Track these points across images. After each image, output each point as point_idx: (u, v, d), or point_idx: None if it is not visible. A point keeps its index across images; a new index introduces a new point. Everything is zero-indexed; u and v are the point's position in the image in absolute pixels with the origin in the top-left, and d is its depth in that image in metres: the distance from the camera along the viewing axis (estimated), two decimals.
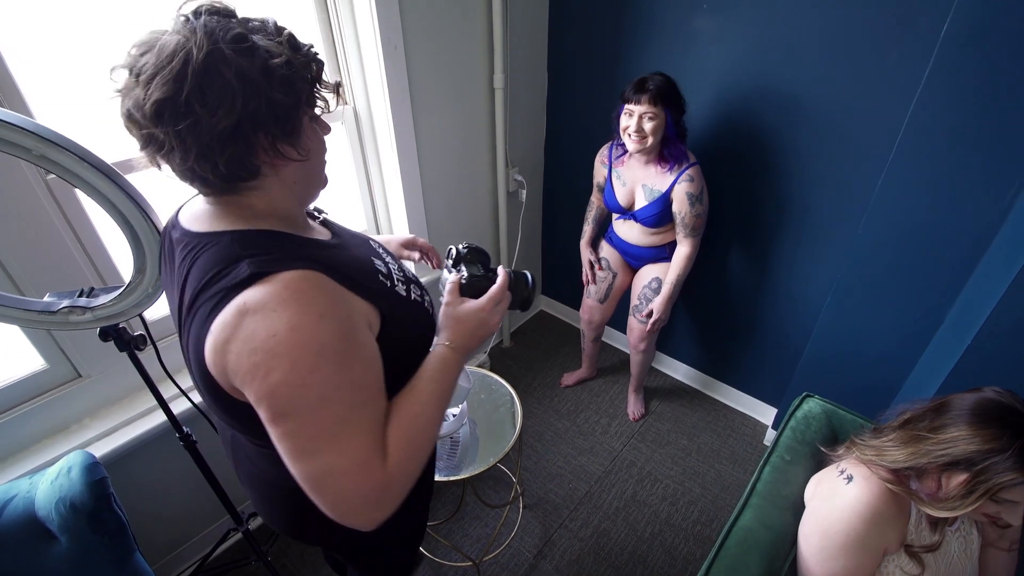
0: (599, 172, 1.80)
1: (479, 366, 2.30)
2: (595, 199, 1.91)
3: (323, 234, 0.72)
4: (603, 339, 2.57)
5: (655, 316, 1.76)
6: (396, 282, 0.72)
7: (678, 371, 2.37)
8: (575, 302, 2.44)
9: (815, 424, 1.22)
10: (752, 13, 1.53)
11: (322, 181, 0.70)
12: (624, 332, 2.12)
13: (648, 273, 1.83)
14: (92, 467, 0.96)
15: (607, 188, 1.75)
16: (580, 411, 2.21)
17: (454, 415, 1.44)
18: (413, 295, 0.74)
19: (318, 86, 0.62)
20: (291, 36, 0.60)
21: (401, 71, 1.54)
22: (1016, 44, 1.08)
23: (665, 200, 1.62)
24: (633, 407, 2.18)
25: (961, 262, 1.32)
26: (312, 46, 0.62)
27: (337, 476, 0.56)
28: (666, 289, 1.74)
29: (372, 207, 1.82)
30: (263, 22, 0.59)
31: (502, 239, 2.21)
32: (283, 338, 0.53)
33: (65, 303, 0.90)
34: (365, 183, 1.76)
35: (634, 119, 1.51)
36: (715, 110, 1.70)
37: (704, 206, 1.64)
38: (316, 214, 0.79)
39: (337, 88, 0.65)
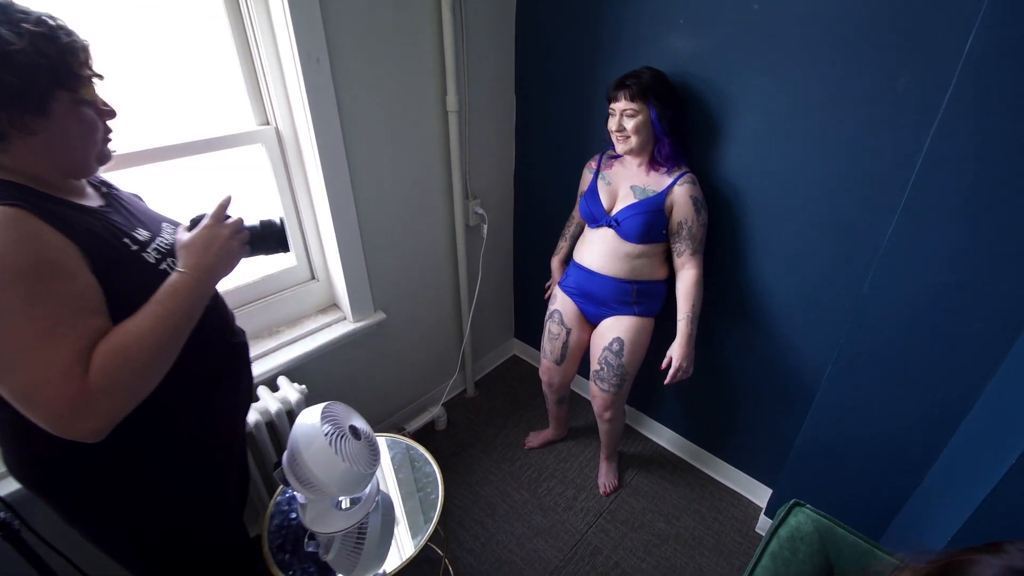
0: (585, 179, 1.58)
1: (430, 422, 2.04)
2: (576, 214, 1.68)
3: (95, 201, 0.80)
4: (575, 390, 2.28)
5: (676, 364, 1.43)
6: (148, 251, 0.79)
7: (661, 436, 2.07)
8: None
9: (803, 550, 0.92)
10: (731, 31, 1.30)
11: (85, 157, 0.74)
12: None
13: (608, 331, 1.56)
14: None
15: (589, 191, 1.52)
16: (543, 479, 1.92)
17: (350, 504, 1.17)
18: (162, 265, 0.79)
19: (77, 76, 0.68)
20: (47, 29, 0.65)
21: (326, 88, 1.33)
22: None
23: (659, 202, 1.39)
24: (604, 478, 1.88)
25: (993, 337, 1.04)
26: (73, 36, 0.68)
27: (41, 385, 0.62)
28: (684, 327, 1.43)
29: (304, 242, 1.60)
30: (24, 14, 0.64)
31: (461, 278, 1.97)
32: None
33: None
34: (293, 213, 1.55)
35: (615, 117, 1.36)
36: (695, 141, 1.46)
37: (707, 215, 1.42)
38: (101, 186, 0.86)
39: (97, 77, 0.72)
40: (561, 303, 1.66)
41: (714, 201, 1.47)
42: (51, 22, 0.66)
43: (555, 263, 1.78)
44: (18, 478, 0.83)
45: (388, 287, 1.75)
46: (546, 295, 1.74)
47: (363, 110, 1.45)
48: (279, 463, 1.13)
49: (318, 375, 1.63)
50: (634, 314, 1.53)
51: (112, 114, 0.77)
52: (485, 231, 1.91)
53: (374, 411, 1.92)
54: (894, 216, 1.08)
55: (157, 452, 0.84)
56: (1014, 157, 0.91)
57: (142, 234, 0.80)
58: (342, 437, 1.10)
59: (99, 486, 0.81)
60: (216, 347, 0.92)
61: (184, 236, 0.79)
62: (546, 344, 1.71)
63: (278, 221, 0.90)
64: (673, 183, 1.37)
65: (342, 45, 1.33)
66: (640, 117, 1.33)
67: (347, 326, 1.67)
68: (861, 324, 1.21)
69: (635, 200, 1.42)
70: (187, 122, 1.27)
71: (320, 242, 1.60)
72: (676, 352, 1.44)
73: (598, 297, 1.55)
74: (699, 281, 1.45)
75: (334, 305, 1.73)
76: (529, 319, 2.39)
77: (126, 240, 0.76)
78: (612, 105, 1.36)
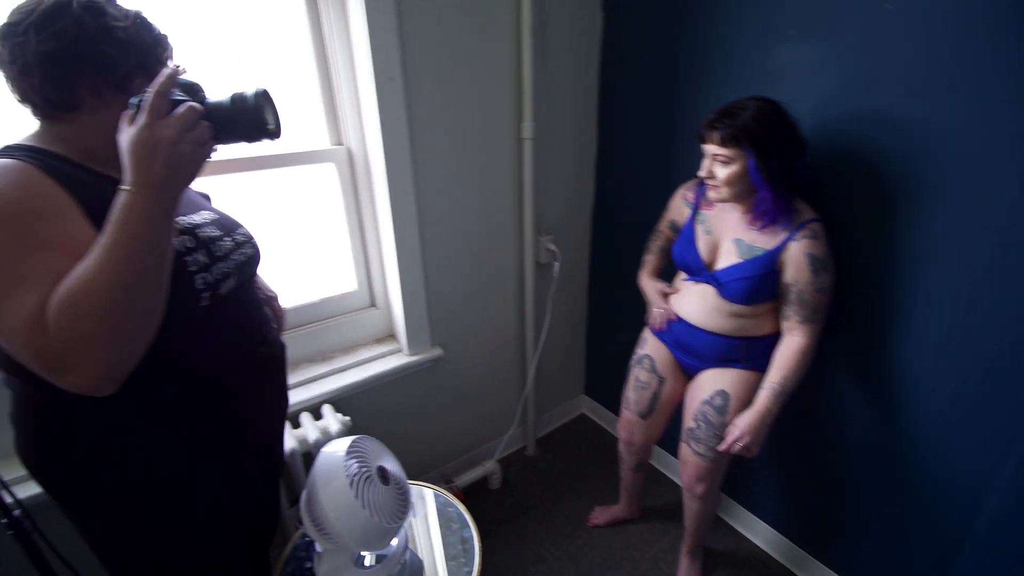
0: (678, 210, 1.37)
1: (483, 478, 1.83)
2: (664, 229, 1.46)
3: None
4: (654, 465, 1.96)
5: (736, 434, 1.18)
6: None
7: (756, 532, 1.68)
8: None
9: None
10: (856, 38, 1.10)
11: None
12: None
13: (709, 383, 1.29)
14: None
15: (684, 234, 1.30)
16: (608, 568, 1.60)
17: (374, 561, 0.99)
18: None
19: (159, 67, 0.72)
20: (145, 21, 0.73)
21: (398, 108, 1.30)
22: None
23: (769, 262, 1.14)
24: None
25: None
26: (164, 36, 0.75)
27: (15, 331, 0.59)
28: (765, 398, 1.17)
29: (366, 266, 1.55)
30: (122, 8, 0.71)
31: (527, 320, 1.81)
32: None
33: None
34: (359, 238, 1.50)
35: (705, 161, 1.14)
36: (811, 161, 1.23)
37: (832, 278, 1.14)
38: None
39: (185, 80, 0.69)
40: (654, 348, 1.42)
41: (850, 257, 1.21)
42: (149, 19, 0.73)
43: (645, 280, 1.48)
44: (22, 459, 0.79)
45: (448, 322, 1.63)
46: (649, 321, 1.44)
47: (434, 133, 1.40)
48: (298, 499, 0.99)
49: (365, 408, 1.52)
50: (742, 368, 1.26)
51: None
52: (556, 270, 1.76)
53: (420, 457, 1.76)
54: None
55: (153, 445, 0.78)
56: None
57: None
58: (367, 479, 0.94)
59: (89, 473, 0.77)
60: (242, 345, 0.86)
61: (123, 136, 0.61)
62: (631, 393, 1.47)
63: (252, 95, 0.66)
64: (788, 238, 1.12)
65: (417, 66, 1.31)
66: (734, 167, 1.10)
67: (402, 359, 1.55)
68: None
69: (739, 260, 1.19)
70: None
71: (383, 268, 1.53)
72: (742, 421, 1.18)
73: (699, 353, 1.31)
74: (805, 352, 1.17)
75: (391, 336, 1.64)
76: (602, 375, 2.14)
77: None
78: (703, 146, 1.15)
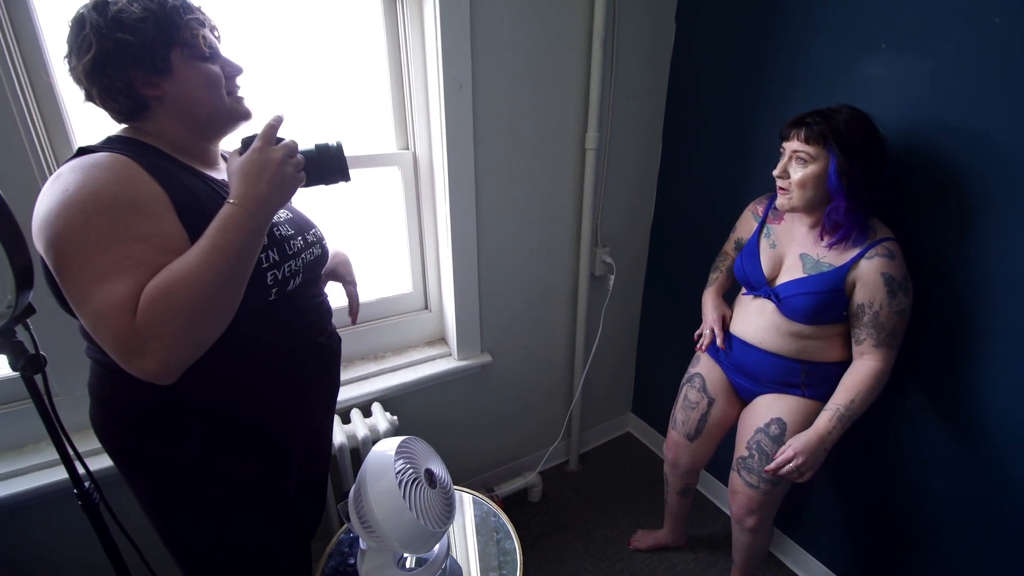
0: (745, 225, 1.32)
1: (523, 490, 1.81)
2: (731, 251, 1.40)
3: (223, 174, 0.83)
4: (701, 491, 1.88)
5: (789, 453, 1.10)
6: None
7: (811, 572, 1.57)
8: None
9: None
10: (957, 52, 1.02)
11: (216, 111, 0.78)
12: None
13: (765, 409, 1.22)
14: None
15: (748, 247, 1.25)
16: None
17: (415, 564, 0.99)
18: None
19: (184, 30, 0.73)
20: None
21: (465, 114, 1.32)
22: None
23: (836, 280, 1.07)
24: None
25: None
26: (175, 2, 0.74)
27: (101, 316, 0.62)
28: (826, 420, 1.09)
29: (422, 269, 1.57)
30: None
31: (578, 332, 1.78)
32: (72, 191, 0.64)
33: None
34: (417, 241, 1.53)
35: (783, 159, 1.09)
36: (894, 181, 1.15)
37: (909, 300, 1.06)
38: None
39: (208, 27, 0.78)
40: (706, 367, 1.36)
41: (932, 281, 1.12)
42: None
43: (708, 298, 1.41)
44: (95, 428, 0.84)
45: (498, 329, 1.63)
46: (698, 341, 1.38)
47: (498, 140, 1.41)
48: (347, 495, 1.00)
49: (413, 409, 1.53)
50: (803, 396, 1.19)
51: (237, 69, 0.80)
52: (611, 283, 1.72)
53: (462, 463, 1.75)
54: None
55: (214, 423, 0.82)
56: None
57: None
58: (415, 482, 0.94)
59: (155, 444, 0.81)
60: (301, 337, 0.90)
61: (234, 162, 0.71)
62: (679, 413, 1.42)
63: (335, 145, 0.79)
64: (859, 255, 1.05)
65: (486, 73, 1.32)
66: (812, 168, 1.04)
67: (451, 363, 1.56)
68: None
69: (804, 274, 1.12)
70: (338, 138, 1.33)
71: (438, 272, 1.55)
72: (798, 442, 1.10)
73: (755, 374, 1.24)
74: (877, 376, 1.08)
75: (441, 339, 1.65)
76: (651, 393, 2.08)
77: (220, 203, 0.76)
78: (784, 144, 1.10)
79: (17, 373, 0.80)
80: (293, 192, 0.73)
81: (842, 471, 1.41)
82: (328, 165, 0.78)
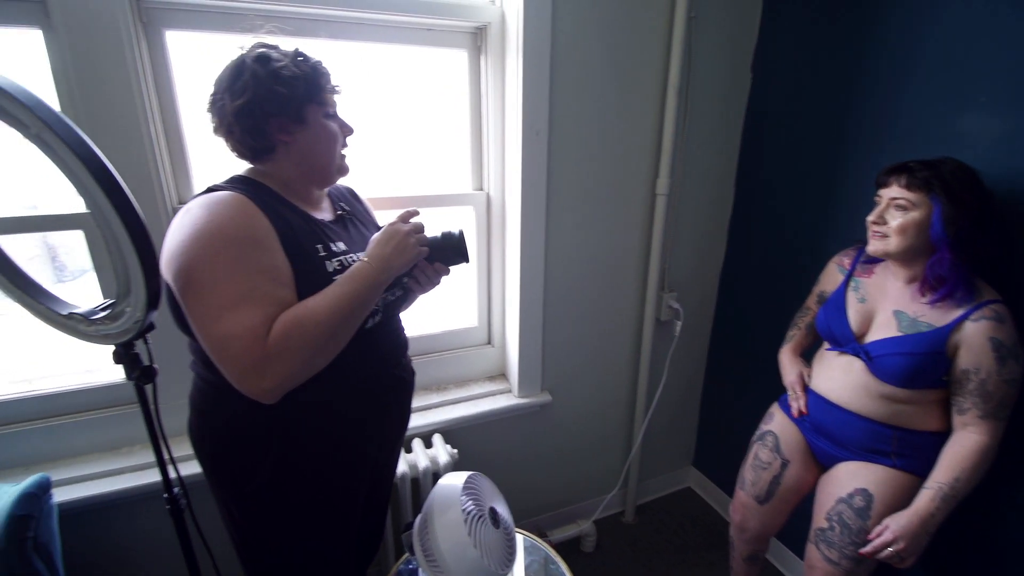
0: (830, 278, 1.26)
1: (576, 538, 1.74)
2: (812, 305, 1.34)
3: (325, 215, 0.93)
4: (771, 560, 1.73)
5: (887, 537, 1.00)
6: (332, 260, 0.85)
7: None
8: (734, 489, 1.73)
9: None
10: None
11: (329, 163, 0.89)
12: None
13: (849, 478, 1.13)
14: (24, 498, 0.82)
15: (833, 300, 1.19)
16: None
17: None
18: (336, 276, 0.83)
19: (324, 92, 0.85)
20: (301, 55, 0.84)
21: (540, 160, 1.37)
22: None
23: (937, 341, 1.00)
24: None
25: None
26: (318, 62, 0.85)
27: (232, 339, 0.70)
28: (929, 500, 0.99)
29: (488, 305, 1.60)
30: (282, 51, 0.83)
31: (641, 378, 1.74)
32: (201, 225, 0.72)
33: (71, 310, 0.83)
34: (485, 277, 1.57)
35: (879, 206, 1.04)
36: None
37: (1021, 368, 0.97)
38: (340, 205, 0.99)
39: (333, 90, 0.88)
40: (781, 425, 1.29)
41: None
42: (304, 53, 0.84)
43: (785, 355, 1.35)
44: (191, 436, 0.92)
45: (560, 369, 1.62)
46: (794, 404, 1.26)
47: (570, 184, 1.44)
48: (410, 525, 1.01)
49: (471, 444, 1.54)
50: (892, 466, 1.09)
51: (351, 130, 0.91)
52: (678, 329, 1.69)
53: (516, 503, 1.71)
54: None
55: (300, 440, 0.87)
56: None
57: (338, 247, 0.88)
58: (480, 518, 0.94)
59: (244, 455, 0.87)
60: (378, 369, 0.95)
61: (375, 234, 0.86)
62: (748, 473, 1.34)
63: (457, 232, 0.90)
64: (964, 316, 0.97)
65: (563, 120, 1.37)
66: (915, 214, 0.99)
67: (510, 399, 1.56)
68: None
69: (899, 333, 1.05)
70: (415, 179, 1.42)
71: (503, 308, 1.58)
72: (896, 523, 1.00)
73: (838, 436, 1.16)
74: (984, 452, 0.98)
75: (502, 375, 1.66)
76: (714, 447, 1.98)
77: (319, 246, 0.84)
78: (880, 192, 1.06)
79: (126, 380, 0.88)
80: (413, 261, 0.85)
81: (940, 557, 1.27)
82: (450, 248, 0.90)
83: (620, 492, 1.88)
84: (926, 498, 1.00)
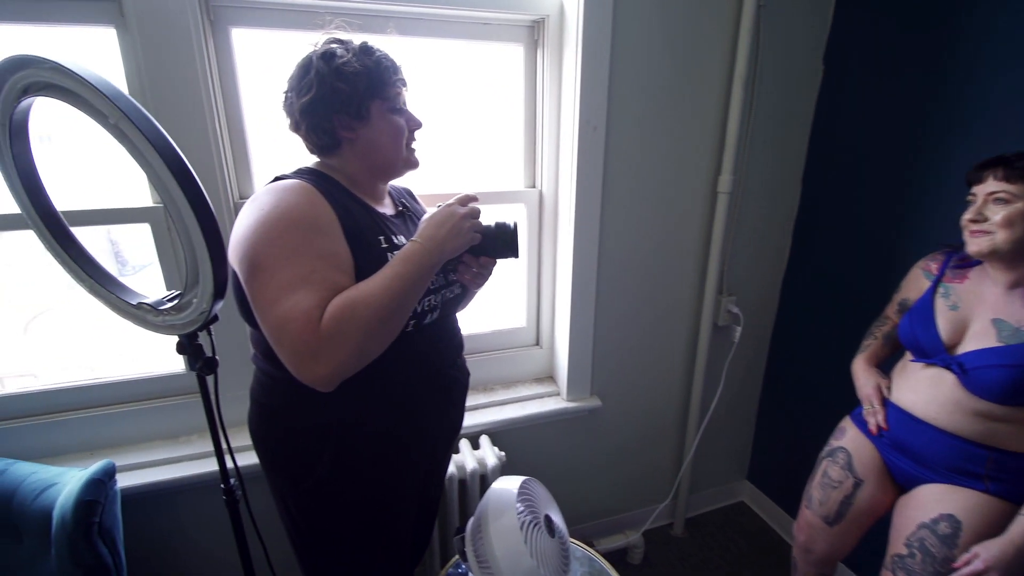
0: (914, 285, 1.15)
1: (623, 548, 1.68)
2: (893, 315, 1.23)
3: (387, 209, 0.93)
4: None
5: (980, 567, 0.90)
6: (393, 252, 0.82)
7: None
8: (793, 506, 1.63)
9: None
10: None
11: (394, 158, 0.88)
12: None
13: (932, 502, 1.02)
14: (91, 484, 0.84)
15: (919, 307, 1.09)
16: None
17: None
18: (388, 254, 0.82)
19: (388, 87, 0.84)
20: (365, 48, 0.83)
21: (596, 156, 1.32)
22: None
23: None
24: None
25: None
26: (383, 55, 0.83)
27: (289, 321, 0.69)
28: (1020, 527, 0.90)
29: (537, 305, 1.57)
30: (348, 40, 0.83)
31: (695, 385, 1.66)
32: (268, 210, 0.74)
33: (141, 300, 0.85)
34: (535, 277, 1.53)
35: (976, 203, 0.96)
36: None
37: None
38: (401, 202, 0.99)
39: (400, 83, 0.87)
40: (854, 442, 1.19)
41: None
42: (370, 45, 0.83)
43: (858, 366, 1.24)
44: (250, 428, 0.92)
45: (610, 373, 1.57)
46: (871, 419, 1.15)
47: (627, 182, 1.39)
48: (461, 529, 0.99)
49: (518, 447, 1.50)
50: (985, 491, 0.99)
51: (418, 124, 0.90)
52: (737, 335, 1.60)
53: (562, 510, 1.67)
54: None
55: (356, 436, 0.86)
56: None
57: (399, 240, 0.87)
58: (535, 525, 0.91)
59: (302, 448, 0.86)
60: (435, 366, 0.94)
61: (430, 211, 0.85)
62: (815, 491, 1.24)
63: (511, 225, 0.88)
64: None
65: (621, 114, 1.32)
66: (1019, 205, 0.90)
67: (559, 403, 1.52)
68: None
69: (998, 343, 0.95)
70: (466, 175, 1.40)
71: (553, 310, 1.54)
72: (988, 551, 0.90)
73: (923, 456, 1.06)
74: None
75: (550, 377, 1.62)
76: (771, 461, 1.87)
77: (380, 237, 0.83)
78: (974, 189, 0.97)
79: (188, 371, 0.89)
80: (465, 245, 0.83)
81: None
82: (501, 240, 0.87)
83: (670, 504, 1.81)
84: (1021, 522, 0.90)
